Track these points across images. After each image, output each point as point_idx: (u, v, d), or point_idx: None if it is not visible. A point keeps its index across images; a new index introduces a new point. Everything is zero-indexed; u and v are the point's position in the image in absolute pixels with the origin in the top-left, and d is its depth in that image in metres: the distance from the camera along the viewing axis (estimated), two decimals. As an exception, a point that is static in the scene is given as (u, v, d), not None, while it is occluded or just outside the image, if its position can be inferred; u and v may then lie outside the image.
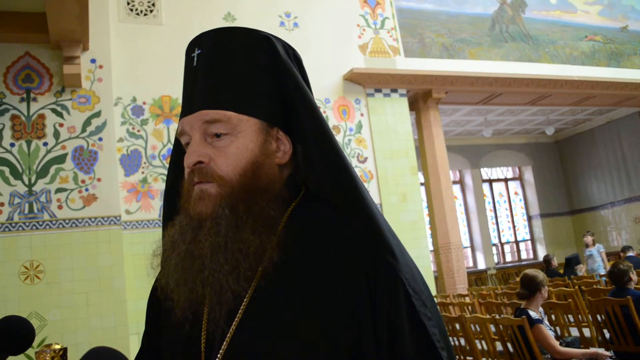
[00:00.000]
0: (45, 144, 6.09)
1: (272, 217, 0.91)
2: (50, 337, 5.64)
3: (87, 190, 6.13)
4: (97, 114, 6.31)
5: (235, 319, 0.88)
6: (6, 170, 5.90)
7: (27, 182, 5.95)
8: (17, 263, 5.73)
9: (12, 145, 5.97)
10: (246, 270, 0.87)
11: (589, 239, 10.01)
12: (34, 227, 5.88)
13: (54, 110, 6.18)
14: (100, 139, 6.26)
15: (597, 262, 9.67)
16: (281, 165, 0.97)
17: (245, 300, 0.89)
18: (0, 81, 6.03)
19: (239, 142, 0.92)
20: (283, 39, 1.02)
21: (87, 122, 6.26)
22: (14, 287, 5.66)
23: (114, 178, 6.30)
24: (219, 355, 0.88)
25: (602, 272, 8.74)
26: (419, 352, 0.84)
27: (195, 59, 0.96)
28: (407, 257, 0.91)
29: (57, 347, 0.99)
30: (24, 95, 6.10)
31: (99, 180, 6.19)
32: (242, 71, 0.95)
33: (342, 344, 0.83)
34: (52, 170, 6.06)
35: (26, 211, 5.89)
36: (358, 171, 7.86)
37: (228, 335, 0.88)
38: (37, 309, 5.69)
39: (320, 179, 0.95)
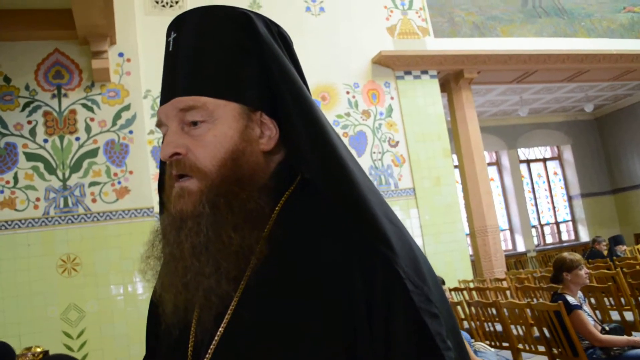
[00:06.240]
0: (78, 138, 6.17)
1: (257, 211, 0.84)
2: (88, 328, 5.75)
3: (119, 183, 6.20)
4: (127, 107, 6.36)
5: (223, 322, 0.83)
6: (41, 165, 6.00)
7: (61, 177, 6.05)
8: (54, 256, 5.85)
9: (45, 141, 6.06)
10: (230, 270, 0.82)
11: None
12: (70, 221, 5.98)
13: (84, 105, 6.25)
14: (130, 132, 6.32)
15: None
16: (268, 152, 0.90)
17: (234, 301, 0.83)
18: (32, 78, 6.13)
19: (216, 129, 0.86)
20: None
21: (118, 116, 6.32)
22: (52, 280, 5.78)
23: (145, 170, 6.35)
24: (206, 359, 0.83)
25: None
26: (418, 355, 0.76)
27: (171, 43, 0.92)
28: (408, 245, 0.83)
29: (38, 350, 0.97)
30: (55, 92, 6.18)
31: (131, 172, 6.25)
32: (217, 53, 0.89)
33: (336, 347, 0.77)
34: (85, 164, 6.14)
35: (61, 205, 5.99)
36: (389, 156, 7.75)
37: (215, 338, 0.83)
38: (76, 301, 5.80)
39: (309, 164, 0.88)
